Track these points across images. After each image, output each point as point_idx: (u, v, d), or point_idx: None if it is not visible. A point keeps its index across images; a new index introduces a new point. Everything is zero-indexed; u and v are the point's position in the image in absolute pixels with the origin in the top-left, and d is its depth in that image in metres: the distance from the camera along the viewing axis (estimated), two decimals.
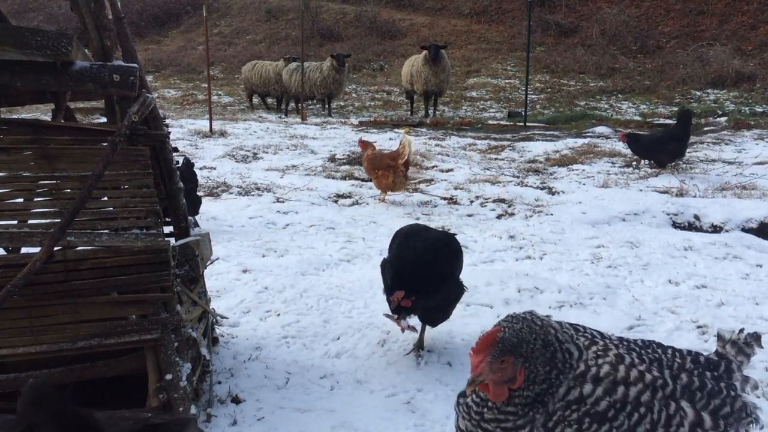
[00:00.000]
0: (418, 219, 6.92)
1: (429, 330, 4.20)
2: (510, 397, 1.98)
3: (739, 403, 2.10)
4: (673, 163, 9.24)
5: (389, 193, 7.71)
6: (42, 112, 12.78)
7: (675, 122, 9.43)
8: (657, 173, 9.05)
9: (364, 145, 8.07)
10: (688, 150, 10.74)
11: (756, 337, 2.29)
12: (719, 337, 2.32)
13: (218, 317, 3.93)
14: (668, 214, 6.83)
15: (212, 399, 3.23)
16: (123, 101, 3.10)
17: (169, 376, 2.79)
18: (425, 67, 16.03)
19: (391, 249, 3.90)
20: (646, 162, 9.52)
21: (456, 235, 4.43)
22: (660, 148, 9.14)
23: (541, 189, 8.35)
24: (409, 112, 17.46)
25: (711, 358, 2.22)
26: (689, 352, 2.21)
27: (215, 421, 3.10)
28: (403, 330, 3.81)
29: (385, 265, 3.81)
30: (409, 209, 7.39)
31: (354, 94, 21.12)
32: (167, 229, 3.33)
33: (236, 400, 3.29)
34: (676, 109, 16.23)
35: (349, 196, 8.04)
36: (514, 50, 23.91)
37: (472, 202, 7.78)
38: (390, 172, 7.31)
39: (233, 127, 13.53)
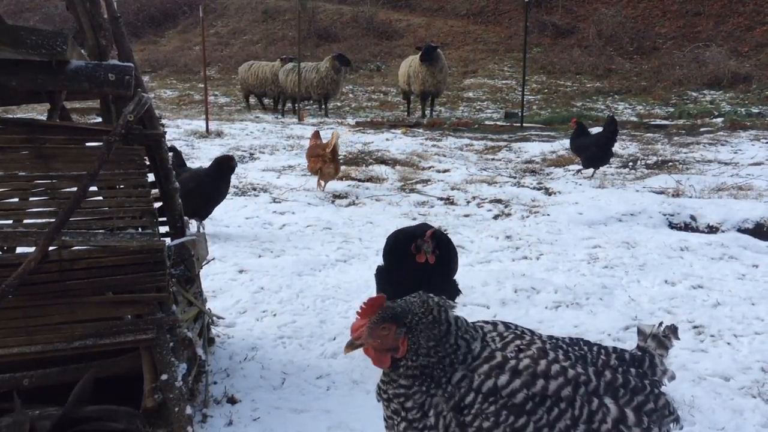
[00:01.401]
0: (414, 219, 6.92)
1: None
2: (396, 366, 2.00)
3: (662, 401, 2.10)
4: (598, 168, 8.98)
5: (324, 182, 8.27)
6: (38, 113, 12.74)
7: (602, 128, 9.01)
8: (654, 173, 9.06)
9: (314, 136, 8.51)
10: (684, 150, 10.80)
11: (673, 330, 2.30)
12: (640, 332, 2.33)
13: (214, 317, 3.92)
14: (664, 215, 6.84)
15: (208, 399, 3.23)
16: (118, 101, 3.09)
17: (164, 377, 2.78)
18: (422, 67, 16.03)
19: (384, 256, 3.88)
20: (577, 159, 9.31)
21: (446, 231, 4.43)
22: (583, 151, 8.92)
23: (538, 189, 8.36)
24: (406, 113, 17.46)
25: (635, 354, 2.22)
26: (614, 349, 2.22)
27: (211, 422, 3.09)
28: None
29: (381, 273, 3.80)
30: (405, 209, 7.39)
31: (351, 95, 21.11)
32: (163, 229, 3.32)
33: (232, 401, 3.28)
34: (672, 110, 16.28)
35: (346, 197, 8.03)
36: (511, 51, 23.93)
37: (468, 202, 7.79)
38: (318, 160, 8.00)
39: (230, 127, 13.51)
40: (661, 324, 2.32)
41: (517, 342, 2.05)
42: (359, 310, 2.04)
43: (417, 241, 3.55)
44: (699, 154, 10.55)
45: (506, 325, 2.17)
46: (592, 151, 8.77)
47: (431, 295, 2.07)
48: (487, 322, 2.18)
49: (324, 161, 7.97)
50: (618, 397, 2.02)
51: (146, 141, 3.18)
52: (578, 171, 9.17)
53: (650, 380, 2.14)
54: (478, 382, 1.95)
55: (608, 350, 2.19)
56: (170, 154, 3.45)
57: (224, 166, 6.30)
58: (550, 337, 2.17)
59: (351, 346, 2.02)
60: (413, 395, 1.97)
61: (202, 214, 6.16)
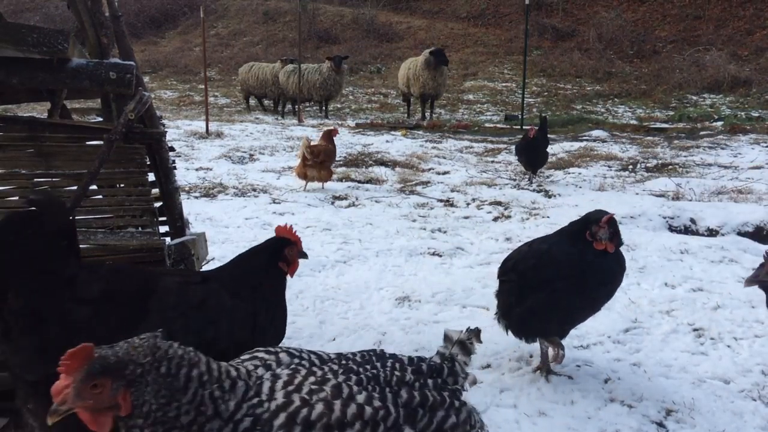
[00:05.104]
0: (414, 221, 6.92)
1: (426, 332, 4.21)
2: (126, 427, 1.64)
3: (464, 414, 2.00)
4: (535, 170, 9.00)
5: (309, 182, 8.51)
6: (38, 112, 12.74)
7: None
8: (654, 176, 9.06)
9: (323, 137, 8.75)
10: (684, 154, 10.80)
11: (476, 333, 2.22)
12: (446, 338, 2.21)
13: None
14: (664, 218, 6.83)
15: None
16: (119, 99, 3.09)
17: None
18: (425, 71, 16.02)
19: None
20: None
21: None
22: (520, 154, 9.03)
23: (538, 192, 8.36)
24: (406, 115, 17.46)
25: (433, 364, 2.09)
26: (411, 360, 2.07)
27: None
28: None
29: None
30: (405, 211, 7.39)
31: (351, 97, 21.12)
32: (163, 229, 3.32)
33: None
34: (672, 113, 16.30)
35: (346, 198, 8.03)
36: (511, 54, 23.96)
37: (468, 204, 7.78)
38: (300, 162, 8.39)
39: (230, 128, 13.51)
40: (468, 329, 2.22)
41: (311, 380, 1.81)
42: (60, 367, 1.60)
43: (592, 227, 3.39)
44: (699, 157, 10.56)
45: (290, 354, 1.92)
46: (526, 154, 8.83)
47: (154, 338, 1.70)
48: (270, 352, 1.92)
49: (304, 163, 8.28)
50: (416, 421, 1.88)
51: (147, 140, 3.18)
52: (529, 179, 9.10)
53: (450, 390, 2.03)
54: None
55: (403, 363, 2.02)
56: None
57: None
58: (340, 358, 1.97)
59: (55, 413, 1.58)
60: None
61: None
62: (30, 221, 2.25)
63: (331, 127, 9.32)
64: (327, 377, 1.83)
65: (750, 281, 2.72)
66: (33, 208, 2.29)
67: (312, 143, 8.34)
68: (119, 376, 1.60)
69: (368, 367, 1.94)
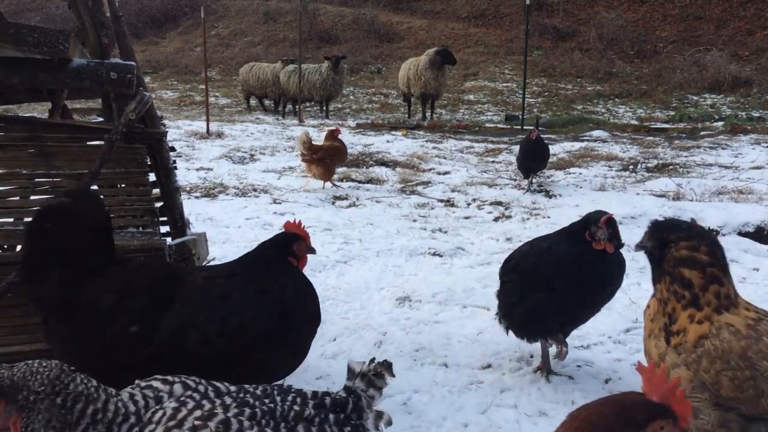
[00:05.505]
0: (415, 221, 6.92)
1: (427, 332, 4.21)
2: None
3: None
4: (529, 176, 8.56)
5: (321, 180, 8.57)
6: (39, 112, 12.74)
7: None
8: (655, 176, 9.06)
9: (327, 137, 8.78)
10: (685, 154, 10.80)
11: (386, 366, 2.08)
12: (349, 370, 2.08)
13: None
14: (665, 218, 6.82)
15: None
16: (120, 99, 3.09)
17: None
18: (428, 70, 16.01)
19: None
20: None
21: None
22: (522, 156, 8.54)
23: (539, 192, 8.35)
24: (407, 115, 17.46)
25: (338, 398, 1.98)
26: (315, 394, 1.97)
27: None
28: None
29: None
30: (406, 211, 7.39)
31: (351, 97, 21.12)
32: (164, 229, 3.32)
33: None
34: (673, 113, 16.28)
35: (346, 198, 8.03)
36: (512, 54, 23.94)
37: (469, 204, 7.78)
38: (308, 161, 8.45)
39: (230, 128, 13.51)
40: (372, 360, 2.09)
41: (196, 414, 1.74)
42: None
43: (591, 227, 3.40)
44: (699, 157, 10.55)
45: (185, 385, 1.86)
46: (526, 155, 8.42)
47: (66, 368, 1.69)
48: (166, 382, 1.86)
49: (305, 161, 8.42)
50: None
51: (148, 140, 3.18)
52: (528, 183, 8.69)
53: (353, 425, 1.93)
54: None
55: (306, 398, 1.93)
56: None
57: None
58: (239, 390, 1.91)
59: None
60: None
61: None
62: (66, 213, 2.40)
63: (333, 128, 9.32)
64: (215, 412, 1.75)
65: (638, 246, 2.70)
66: (69, 200, 2.45)
67: (313, 142, 8.37)
68: (12, 400, 1.59)
69: (267, 401, 1.86)
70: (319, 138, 9.21)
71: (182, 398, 1.80)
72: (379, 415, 2.01)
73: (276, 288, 2.62)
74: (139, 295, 2.39)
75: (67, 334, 2.32)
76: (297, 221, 2.93)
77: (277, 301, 2.59)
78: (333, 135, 8.62)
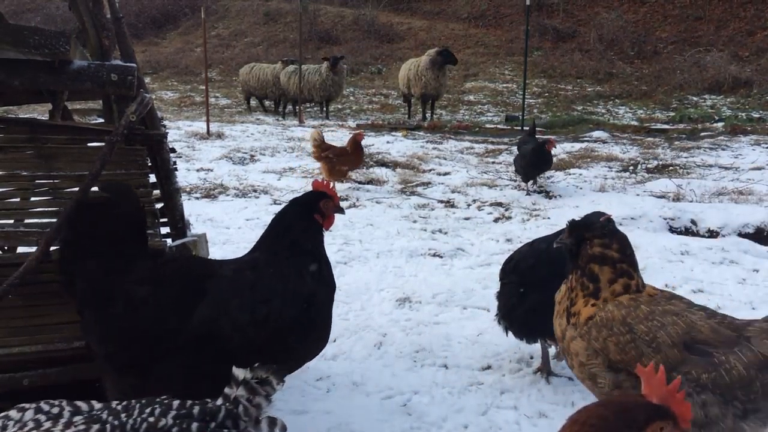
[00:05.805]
0: (415, 222, 6.93)
1: (427, 333, 4.21)
2: None
3: None
4: (528, 180, 8.41)
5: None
6: (39, 113, 12.75)
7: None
8: (655, 177, 9.06)
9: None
10: (685, 154, 10.81)
11: (273, 371, 1.94)
12: (232, 378, 1.95)
13: None
14: (665, 219, 6.83)
15: None
16: (120, 101, 3.10)
17: None
18: (429, 71, 16.01)
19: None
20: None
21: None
22: (529, 160, 8.23)
23: (538, 193, 8.36)
24: (407, 116, 17.46)
25: (209, 407, 1.85)
26: (182, 404, 1.85)
27: None
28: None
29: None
30: (406, 212, 7.39)
31: (351, 97, 21.13)
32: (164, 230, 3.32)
33: None
34: (673, 114, 16.29)
35: (346, 199, 8.03)
36: (512, 54, 23.95)
37: (469, 205, 7.79)
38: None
39: (230, 129, 13.51)
40: (256, 367, 1.95)
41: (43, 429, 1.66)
42: None
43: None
44: (699, 158, 10.55)
45: (38, 409, 1.77)
46: (524, 166, 8.24)
47: None
48: (20, 409, 1.77)
49: (317, 159, 8.55)
50: None
51: (148, 141, 3.18)
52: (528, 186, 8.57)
53: None
54: None
55: (169, 408, 1.82)
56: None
57: None
58: (103, 409, 1.81)
59: None
60: None
61: None
62: (104, 206, 2.51)
63: (357, 131, 9.27)
64: (51, 431, 1.67)
65: (557, 243, 2.98)
66: (106, 194, 2.56)
67: (325, 141, 8.43)
68: None
69: (123, 415, 1.76)
70: (334, 139, 9.21)
71: (26, 422, 1.72)
72: (273, 421, 1.90)
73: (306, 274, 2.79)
74: (172, 287, 2.48)
75: (105, 325, 2.40)
76: (325, 181, 2.97)
77: (300, 293, 2.70)
78: (355, 139, 8.44)
